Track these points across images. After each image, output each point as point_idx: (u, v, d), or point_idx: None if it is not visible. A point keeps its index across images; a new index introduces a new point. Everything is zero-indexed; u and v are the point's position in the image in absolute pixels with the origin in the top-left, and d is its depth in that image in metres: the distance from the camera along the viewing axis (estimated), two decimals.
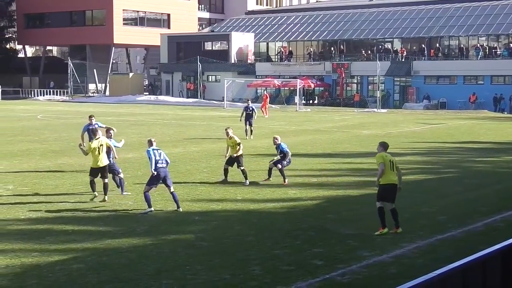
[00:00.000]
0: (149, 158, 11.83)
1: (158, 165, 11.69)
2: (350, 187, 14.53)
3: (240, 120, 25.08)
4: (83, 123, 26.40)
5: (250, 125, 24.41)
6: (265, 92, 47.53)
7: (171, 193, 11.93)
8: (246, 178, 14.63)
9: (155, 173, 11.69)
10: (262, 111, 36.93)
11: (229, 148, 14.87)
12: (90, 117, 16.44)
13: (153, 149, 11.85)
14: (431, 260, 8.59)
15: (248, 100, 26.67)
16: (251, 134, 24.35)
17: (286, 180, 14.66)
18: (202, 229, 10.64)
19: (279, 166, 14.69)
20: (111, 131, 13.69)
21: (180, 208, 11.88)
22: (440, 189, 14.34)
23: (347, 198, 13.33)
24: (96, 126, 15.63)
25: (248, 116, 24.72)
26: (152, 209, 11.77)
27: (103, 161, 12.61)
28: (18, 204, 12.30)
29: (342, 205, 12.63)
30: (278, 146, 14.88)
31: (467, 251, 7.25)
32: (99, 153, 12.57)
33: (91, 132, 13.83)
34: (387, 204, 10.14)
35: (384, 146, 10.45)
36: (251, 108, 25.05)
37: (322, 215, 11.79)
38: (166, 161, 11.95)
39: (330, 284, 7.89)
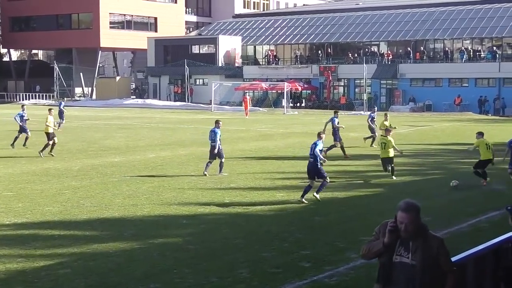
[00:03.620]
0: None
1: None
2: (338, 189, 14.57)
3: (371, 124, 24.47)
4: (69, 127, 26.11)
5: (373, 132, 23.72)
6: (246, 94, 47.88)
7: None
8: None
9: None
10: (247, 112, 40.03)
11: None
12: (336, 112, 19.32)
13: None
14: None
15: (375, 107, 26.45)
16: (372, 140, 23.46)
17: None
18: (190, 233, 10.61)
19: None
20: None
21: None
22: (426, 190, 14.44)
23: (334, 200, 13.37)
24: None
25: (372, 123, 24.11)
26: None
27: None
28: (3, 209, 12.18)
29: (329, 207, 12.67)
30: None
31: (452, 252, 7.30)
32: None
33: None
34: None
35: (480, 133, 15.48)
36: (374, 117, 24.48)
37: (310, 217, 11.82)
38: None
39: (318, 286, 7.91)
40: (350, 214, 12.08)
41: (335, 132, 20.54)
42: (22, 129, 22.55)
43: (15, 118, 23.09)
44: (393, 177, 15.93)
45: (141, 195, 13.65)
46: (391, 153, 15.86)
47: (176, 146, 23.43)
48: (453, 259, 5.75)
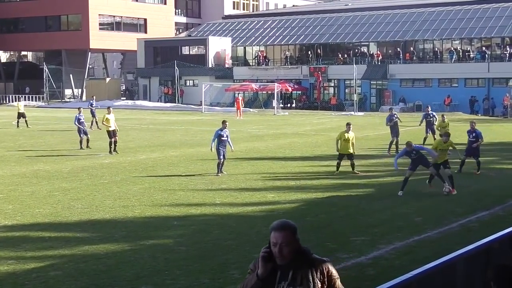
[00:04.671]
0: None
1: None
2: (328, 190, 14.62)
3: (420, 125, 24.60)
4: (58, 129, 25.95)
5: (433, 132, 23.42)
6: (238, 95, 48.23)
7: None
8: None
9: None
10: (240, 113, 40.31)
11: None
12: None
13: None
14: (409, 261, 8.68)
15: (428, 107, 26.01)
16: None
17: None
18: (181, 234, 10.60)
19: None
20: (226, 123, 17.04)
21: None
22: (417, 191, 14.50)
23: (325, 201, 13.41)
24: None
25: (429, 124, 23.92)
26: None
27: None
28: None
29: (320, 208, 12.70)
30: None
31: (443, 252, 7.36)
32: None
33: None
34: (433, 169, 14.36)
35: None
36: (431, 115, 24.19)
37: (301, 218, 11.83)
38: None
39: None
40: (341, 215, 12.12)
41: (394, 125, 22.20)
42: (82, 132, 22.89)
43: (75, 123, 23.26)
44: (356, 171, 16.91)
45: (131, 196, 13.61)
46: (351, 149, 16.86)
47: (166, 147, 23.38)
48: (444, 258, 5.79)
